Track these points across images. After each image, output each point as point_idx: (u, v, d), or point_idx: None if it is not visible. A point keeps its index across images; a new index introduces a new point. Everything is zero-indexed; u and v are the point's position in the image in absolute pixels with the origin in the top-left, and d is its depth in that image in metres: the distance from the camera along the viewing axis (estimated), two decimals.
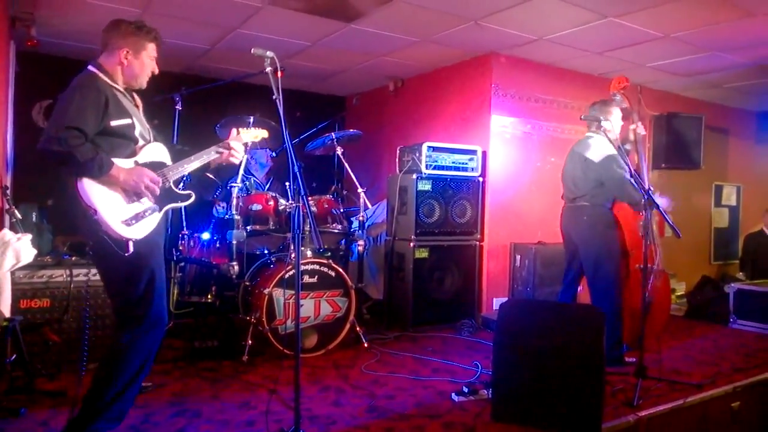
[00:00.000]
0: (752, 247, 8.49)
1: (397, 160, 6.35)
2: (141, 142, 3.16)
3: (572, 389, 3.31)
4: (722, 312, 6.46)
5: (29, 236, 3.98)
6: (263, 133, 4.00)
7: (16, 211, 4.35)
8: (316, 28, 5.68)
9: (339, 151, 5.60)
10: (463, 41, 6.03)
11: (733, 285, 6.52)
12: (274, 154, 6.11)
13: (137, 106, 3.30)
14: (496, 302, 6.28)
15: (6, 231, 3.92)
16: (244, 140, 3.74)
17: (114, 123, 3.00)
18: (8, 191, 4.74)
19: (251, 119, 5.05)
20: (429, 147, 5.98)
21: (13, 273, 3.89)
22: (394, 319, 6.03)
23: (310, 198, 5.18)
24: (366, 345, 5.08)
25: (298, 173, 3.12)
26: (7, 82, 5.42)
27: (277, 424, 3.35)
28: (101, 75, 3.07)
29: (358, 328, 5.10)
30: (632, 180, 4.57)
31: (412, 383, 4.23)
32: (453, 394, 3.92)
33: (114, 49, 3.12)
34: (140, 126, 3.18)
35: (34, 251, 3.97)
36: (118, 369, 3.01)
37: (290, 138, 3.21)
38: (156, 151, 3.22)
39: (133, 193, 3.00)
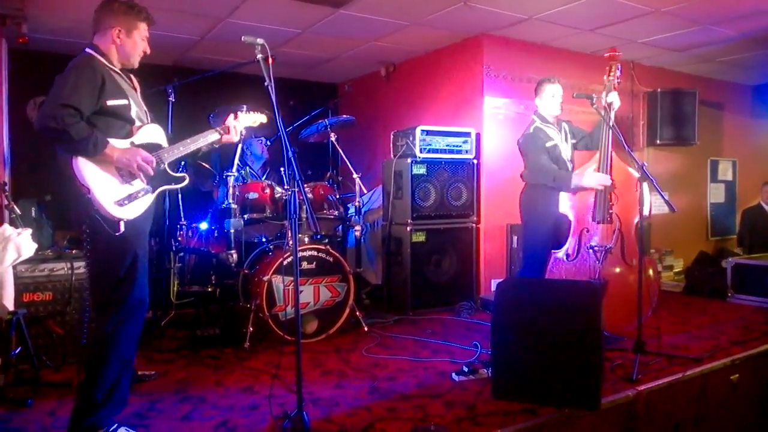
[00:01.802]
0: (750, 222, 8.51)
1: (391, 144, 6.36)
2: (138, 123, 3.18)
3: (571, 365, 3.33)
4: (720, 287, 6.50)
5: (29, 231, 4.01)
6: (261, 118, 3.99)
7: (15, 207, 4.38)
8: (305, 14, 5.68)
9: (333, 137, 5.60)
10: (453, 23, 6.02)
11: (730, 260, 6.55)
12: (268, 143, 6.12)
13: (135, 89, 3.32)
14: (495, 283, 6.29)
15: (6, 226, 3.95)
16: (243, 123, 3.78)
17: (110, 103, 3.02)
18: (7, 187, 4.77)
19: (244, 108, 5.06)
20: (423, 131, 5.99)
21: (14, 267, 3.95)
22: (393, 303, 6.06)
23: (306, 185, 5.20)
24: (366, 329, 5.11)
25: (292, 159, 3.13)
26: (0, 79, 5.43)
27: (281, 407, 3.37)
28: (98, 56, 3.09)
29: (357, 313, 5.13)
30: (543, 162, 4.66)
31: (413, 364, 4.27)
32: (453, 374, 3.96)
33: (106, 29, 3.13)
34: (137, 107, 3.20)
35: (35, 245, 4.00)
36: (108, 358, 3.01)
37: (284, 125, 3.23)
38: (153, 133, 3.24)
39: (126, 173, 3.02)
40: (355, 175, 5.45)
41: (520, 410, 3.35)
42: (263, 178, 5.88)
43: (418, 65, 7.39)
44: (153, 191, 3.14)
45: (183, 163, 3.80)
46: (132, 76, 3.34)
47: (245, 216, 4.99)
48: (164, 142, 3.28)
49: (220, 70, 5.61)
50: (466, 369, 3.98)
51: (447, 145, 6.13)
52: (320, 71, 8.16)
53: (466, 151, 6.24)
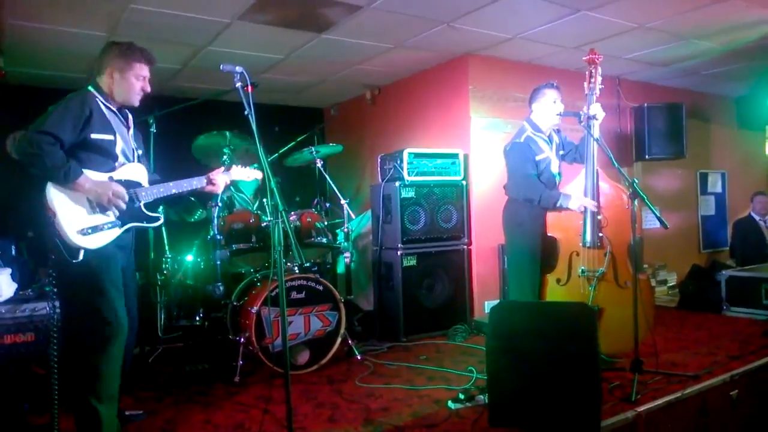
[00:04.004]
0: (741, 233, 8.48)
1: (378, 168, 6.29)
2: (122, 160, 3.28)
3: (568, 389, 3.26)
4: (714, 300, 6.44)
5: (8, 270, 3.92)
6: (256, 174, 4.03)
7: None
8: (288, 40, 5.65)
9: (319, 163, 5.54)
10: (437, 44, 6.00)
11: (724, 272, 6.49)
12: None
13: (128, 127, 3.43)
14: (488, 305, 6.22)
15: None
16: (234, 177, 3.87)
17: (94, 136, 3.14)
18: None
19: (226, 158, 5.00)
20: (410, 153, 5.92)
21: None
22: (386, 329, 5.96)
23: (293, 213, 5.14)
24: (359, 357, 5.01)
25: (275, 189, 3.08)
26: None
27: None
28: (95, 92, 3.25)
29: (350, 341, 5.04)
30: (530, 178, 4.44)
31: (407, 393, 4.17)
32: (449, 402, 3.86)
33: (103, 69, 3.30)
34: (124, 145, 3.31)
35: (15, 285, 3.91)
36: (91, 382, 3.06)
37: (267, 153, 3.21)
38: (134, 171, 3.34)
39: (96, 205, 3.10)
40: (342, 201, 5.38)
41: None
42: (255, 206, 5.80)
43: (404, 87, 7.37)
44: (122, 226, 3.20)
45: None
46: (129, 116, 3.47)
47: (232, 246, 4.91)
48: (144, 182, 3.38)
49: (202, 98, 5.56)
50: (461, 396, 3.89)
51: (435, 167, 6.06)
52: (305, 96, 8.12)
53: (455, 173, 6.17)
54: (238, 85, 3.19)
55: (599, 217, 4.40)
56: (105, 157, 3.20)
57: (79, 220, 3.04)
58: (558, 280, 4.48)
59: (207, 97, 6.19)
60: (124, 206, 3.17)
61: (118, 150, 3.25)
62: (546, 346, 3.34)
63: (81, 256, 3.01)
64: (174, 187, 3.46)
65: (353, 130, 8.24)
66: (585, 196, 4.39)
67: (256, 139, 3.10)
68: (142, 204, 3.30)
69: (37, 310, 4.10)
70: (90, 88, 3.28)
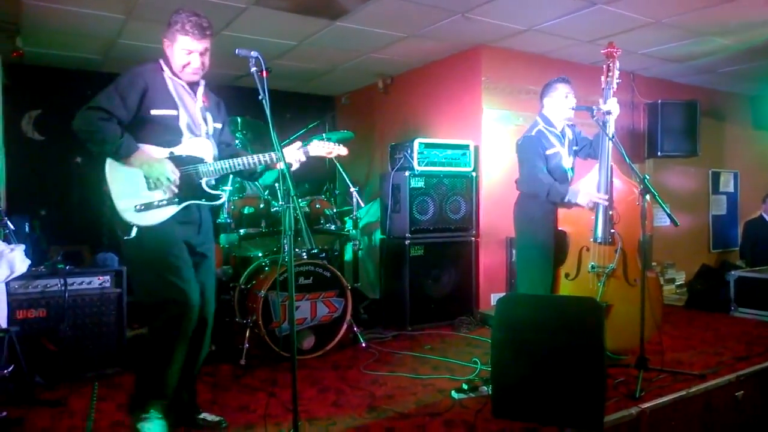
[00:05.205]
0: (752, 234, 8.42)
1: (389, 157, 6.30)
2: (187, 135, 3.17)
3: (573, 383, 3.26)
4: (723, 300, 6.41)
5: (22, 247, 3.96)
6: (341, 150, 3.56)
7: (8, 222, 4.33)
8: (302, 27, 5.65)
9: None
10: (451, 35, 5.99)
11: (733, 272, 6.45)
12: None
13: (203, 100, 3.29)
14: (494, 297, 6.24)
15: None
16: (312, 153, 3.45)
17: (154, 112, 3.07)
18: (1, 203, 4.71)
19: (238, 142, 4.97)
20: (421, 143, 5.93)
21: (7, 284, 3.89)
22: (392, 317, 5.98)
23: (303, 199, 5.15)
24: (364, 345, 5.04)
25: (287, 174, 3.07)
26: None
27: (277, 427, 3.31)
28: (162, 64, 3.17)
29: (355, 328, 5.06)
30: (539, 172, 4.38)
31: (412, 382, 4.20)
32: (453, 392, 3.88)
33: (162, 40, 3.19)
34: (189, 119, 3.19)
35: (28, 261, 3.95)
36: (148, 355, 3.15)
37: (279, 139, 3.17)
38: (198, 146, 3.22)
39: (151, 181, 3.05)
40: (352, 189, 5.39)
41: (521, 429, 3.28)
42: (266, 192, 5.81)
43: (416, 77, 7.36)
44: (179, 203, 3.11)
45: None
46: (201, 88, 3.30)
47: (241, 230, 4.93)
48: (208, 158, 3.24)
49: (216, 83, 5.55)
50: (465, 386, 3.91)
51: (445, 158, 6.06)
52: (317, 83, 8.13)
53: (465, 164, 6.17)
54: (253, 69, 3.14)
55: (611, 213, 4.38)
56: (168, 132, 3.12)
57: (133, 196, 3.00)
58: (567, 275, 4.45)
59: (219, 82, 6.20)
60: (174, 186, 3.05)
61: (182, 124, 3.14)
62: (552, 339, 3.34)
63: (133, 233, 2.98)
64: (240, 164, 3.24)
65: (364, 118, 8.24)
66: (598, 192, 4.34)
67: (270, 123, 3.07)
68: (203, 181, 3.18)
69: (49, 287, 4.16)
70: (160, 59, 3.18)
